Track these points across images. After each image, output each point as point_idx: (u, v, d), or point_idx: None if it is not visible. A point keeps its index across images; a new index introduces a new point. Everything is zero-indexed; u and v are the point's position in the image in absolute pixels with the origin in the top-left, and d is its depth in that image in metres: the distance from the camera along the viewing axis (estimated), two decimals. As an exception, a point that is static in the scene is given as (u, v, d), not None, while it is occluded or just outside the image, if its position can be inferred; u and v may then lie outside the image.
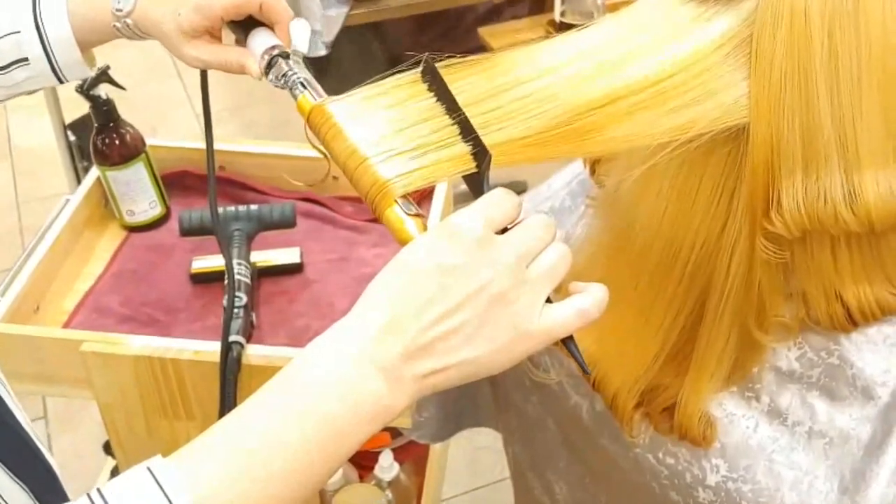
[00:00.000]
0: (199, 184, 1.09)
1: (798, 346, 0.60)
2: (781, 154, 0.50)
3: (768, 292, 0.55)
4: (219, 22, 0.69)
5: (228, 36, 0.73)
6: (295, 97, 0.60)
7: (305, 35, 0.69)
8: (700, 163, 0.52)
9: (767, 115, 0.50)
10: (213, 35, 0.71)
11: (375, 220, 1.06)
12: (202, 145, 1.08)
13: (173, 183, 1.08)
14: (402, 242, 0.49)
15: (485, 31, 1.77)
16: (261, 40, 0.67)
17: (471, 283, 0.44)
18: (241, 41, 0.70)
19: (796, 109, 0.49)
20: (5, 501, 0.55)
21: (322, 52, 1.73)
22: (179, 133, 2.43)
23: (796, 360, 0.60)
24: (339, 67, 1.80)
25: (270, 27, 0.69)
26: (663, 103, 0.51)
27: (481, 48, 1.80)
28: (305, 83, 0.61)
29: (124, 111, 1.01)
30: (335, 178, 1.06)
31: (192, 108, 2.64)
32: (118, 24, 0.70)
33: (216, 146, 1.07)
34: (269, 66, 0.65)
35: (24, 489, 0.58)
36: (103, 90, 0.98)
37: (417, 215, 0.50)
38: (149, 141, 1.03)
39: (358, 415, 0.43)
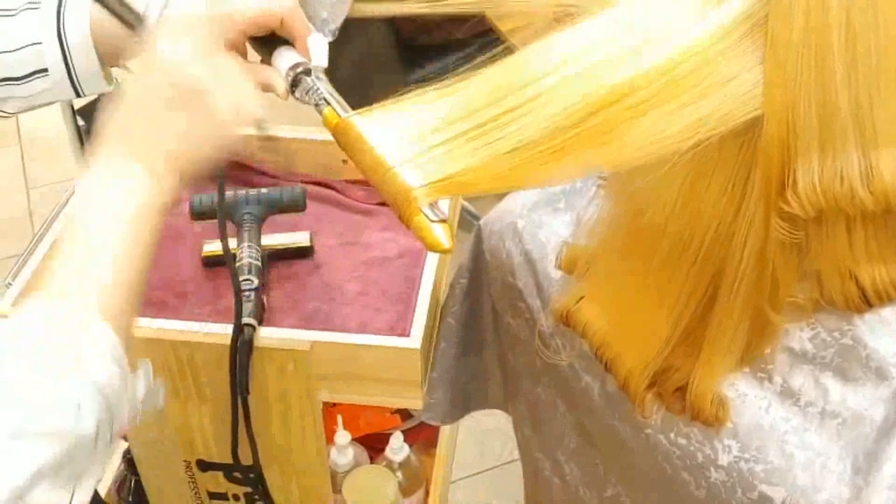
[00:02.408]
0: (208, 168, 1.09)
1: (811, 327, 0.59)
2: (798, 134, 0.49)
3: (782, 272, 0.55)
4: (242, 37, 0.70)
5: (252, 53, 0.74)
6: (320, 112, 0.62)
7: (324, 49, 0.71)
8: (714, 151, 0.52)
9: (783, 95, 0.49)
10: (238, 50, 0.71)
11: (385, 204, 1.07)
12: (211, 129, 1.09)
13: (183, 167, 1.08)
14: (432, 248, 0.51)
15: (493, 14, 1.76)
16: (285, 58, 0.69)
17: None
18: (266, 59, 0.71)
19: (813, 89, 0.49)
20: None
21: (329, 38, 1.72)
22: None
23: (809, 340, 0.60)
24: (347, 51, 1.79)
25: (292, 43, 0.70)
26: (680, 93, 0.50)
27: (490, 31, 1.79)
28: (329, 98, 0.63)
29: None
30: (344, 161, 1.07)
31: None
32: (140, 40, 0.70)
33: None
34: (294, 83, 0.68)
35: None
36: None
37: (443, 220, 0.51)
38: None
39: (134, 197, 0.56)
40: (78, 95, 0.74)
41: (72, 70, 0.71)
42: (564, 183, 0.78)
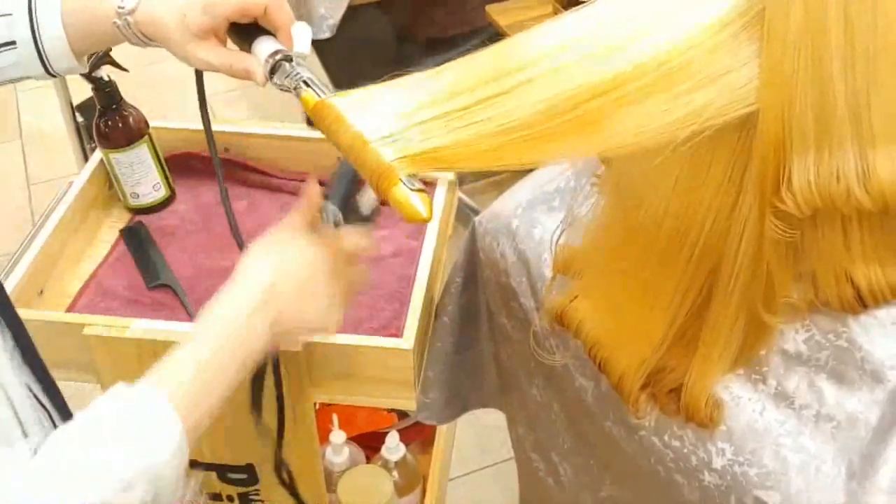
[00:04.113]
0: (203, 165, 1.08)
1: (806, 329, 0.59)
2: (793, 131, 0.49)
3: (777, 272, 0.54)
4: (225, 23, 0.69)
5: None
6: (298, 96, 0.63)
7: (307, 37, 0.70)
8: (709, 145, 0.51)
9: (779, 92, 0.48)
10: (219, 37, 0.71)
11: (381, 203, 1.06)
12: (206, 126, 1.08)
13: (177, 165, 1.07)
14: (410, 219, 0.51)
15: (493, 9, 1.75)
16: (265, 46, 0.69)
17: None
18: (245, 49, 0.71)
19: (809, 86, 0.48)
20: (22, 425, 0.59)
21: (327, 34, 1.72)
22: (189, 114, 2.42)
23: (804, 342, 0.59)
24: (345, 48, 1.79)
25: (273, 33, 0.70)
26: (672, 85, 0.49)
27: (489, 25, 1.78)
28: (309, 81, 0.63)
29: (128, 93, 1.00)
30: (339, 159, 1.06)
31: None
32: (119, 22, 0.70)
33: (220, 127, 1.07)
34: (273, 70, 0.67)
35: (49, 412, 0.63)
36: (105, 72, 0.97)
37: (421, 191, 0.51)
38: (152, 123, 1.02)
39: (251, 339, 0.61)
40: (48, 73, 0.73)
41: (40, 45, 0.70)
42: (548, 165, 0.77)
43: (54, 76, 0.74)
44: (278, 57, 0.67)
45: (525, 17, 1.67)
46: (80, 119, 1.79)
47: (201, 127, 1.07)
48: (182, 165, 1.07)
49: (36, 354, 0.64)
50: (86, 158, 1.82)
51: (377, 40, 1.90)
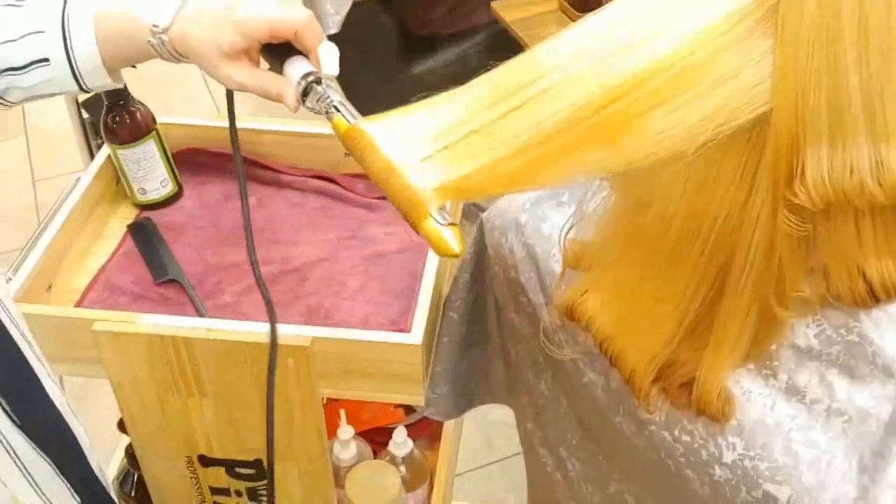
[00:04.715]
0: (210, 161, 1.08)
1: (817, 324, 0.58)
2: (807, 125, 0.48)
3: (789, 267, 0.54)
4: (257, 44, 0.70)
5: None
6: (330, 120, 0.63)
7: (335, 57, 0.70)
8: (722, 141, 0.51)
9: (793, 85, 0.48)
10: (251, 57, 0.71)
11: (387, 198, 1.06)
12: (213, 122, 1.08)
13: (184, 160, 1.07)
14: (441, 253, 0.51)
15: (497, 5, 1.75)
16: (296, 68, 0.69)
17: None
18: (276, 69, 0.72)
19: (823, 79, 0.48)
20: (28, 472, 0.58)
21: (333, 30, 1.72)
22: (195, 110, 2.43)
23: (815, 337, 0.59)
24: (349, 44, 1.79)
25: (305, 54, 0.70)
26: (690, 86, 0.49)
27: (494, 23, 1.78)
28: (339, 106, 0.64)
29: (132, 89, 1.00)
30: (346, 154, 1.06)
31: (205, 84, 2.63)
32: (153, 41, 0.70)
33: (227, 124, 1.07)
34: (305, 92, 0.68)
35: (46, 461, 0.60)
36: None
37: (452, 224, 0.51)
38: (159, 119, 1.02)
39: None
40: (81, 89, 0.73)
41: (73, 61, 0.71)
42: (571, 183, 0.77)
43: (88, 92, 0.75)
44: (310, 79, 0.67)
45: (530, 14, 1.66)
46: (85, 115, 1.80)
47: (208, 122, 1.08)
48: (188, 161, 1.08)
49: None
50: (91, 155, 1.82)
51: (380, 36, 1.90)
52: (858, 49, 0.47)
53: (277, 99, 0.70)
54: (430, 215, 0.51)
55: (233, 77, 0.70)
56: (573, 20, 0.61)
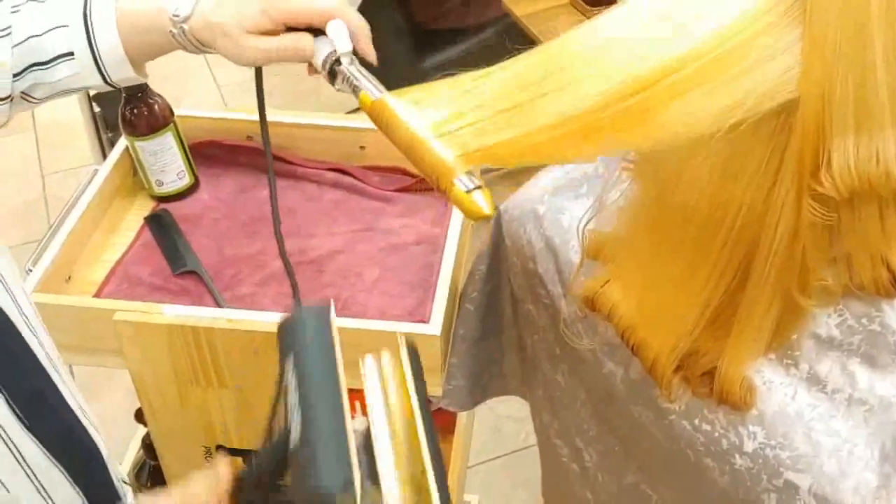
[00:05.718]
0: (224, 154, 1.08)
1: (838, 313, 0.59)
2: (834, 114, 0.49)
3: (813, 256, 0.54)
4: (282, 27, 0.71)
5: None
6: (356, 95, 0.65)
7: (344, 34, 0.71)
8: (748, 130, 0.51)
9: (820, 73, 0.48)
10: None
11: (403, 191, 1.07)
12: (227, 115, 1.08)
13: (199, 153, 1.08)
14: (472, 216, 0.52)
15: (508, 0, 1.75)
16: (319, 51, 0.71)
17: None
18: None
19: (850, 68, 0.48)
20: (40, 482, 0.57)
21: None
22: (201, 103, 2.43)
23: (836, 326, 0.59)
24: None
25: (324, 32, 0.71)
26: (719, 73, 0.49)
27: (504, 15, 1.78)
28: (363, 81, 0.66)
29: (150, 81, 1.01)
30: (362, 147, 1.06)
31: (213, 78, 2.63)
32: (174, 30, 0.71)
33: (241, 115, 1.07)
34: (332, 74, 0.70)
35: (61, 470, 0.59)
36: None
37: (479, 187, 0.52)
38: (176, 111, 1.03)
39: None
40: (106, 83, 0.73)
41: (97, 54, 0.71)
42: (596, 160, 0.78)
43: (112, 87, 0.75)
44: (332, 59, 0.69)
45: (541, 7, 1.66)
46: (97, 108, 1.80)
47: (223, 115, 1.08)
48: (205, 153, 1.08)
49: None
50: (102, 148, 1.82)
51: (391, 31, 1.90)
52: (886, 36, 0.48)
53: (295, 55, 0.71)
54: (458, 180, 0.52)
55: (258, 46, 0.70)
56: (584, 14, 0.62)
